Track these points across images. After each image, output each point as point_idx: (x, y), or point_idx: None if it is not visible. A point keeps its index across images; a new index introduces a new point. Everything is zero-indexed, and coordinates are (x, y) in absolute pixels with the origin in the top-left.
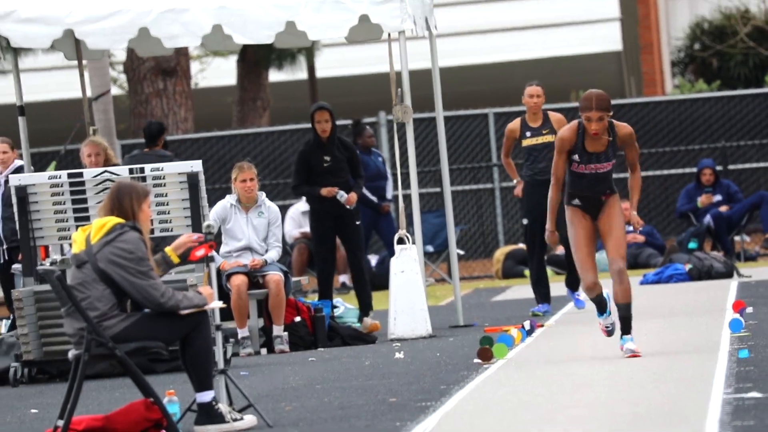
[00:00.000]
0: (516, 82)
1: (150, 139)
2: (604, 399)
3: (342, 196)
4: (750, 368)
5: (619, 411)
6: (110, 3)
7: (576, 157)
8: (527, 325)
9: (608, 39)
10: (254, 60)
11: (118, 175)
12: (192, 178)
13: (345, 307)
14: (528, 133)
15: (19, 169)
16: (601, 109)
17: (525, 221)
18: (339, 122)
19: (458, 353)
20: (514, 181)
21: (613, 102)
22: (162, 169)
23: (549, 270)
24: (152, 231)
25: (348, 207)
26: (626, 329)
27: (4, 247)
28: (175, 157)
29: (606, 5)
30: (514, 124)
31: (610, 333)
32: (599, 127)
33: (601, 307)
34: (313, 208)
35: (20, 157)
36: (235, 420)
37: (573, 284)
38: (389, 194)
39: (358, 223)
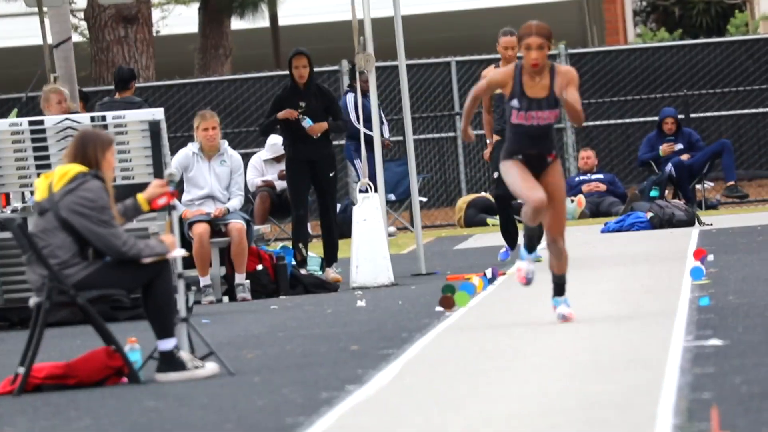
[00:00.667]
0: (478, 30)
1: (121, 84)
2: (565, 347)
3: (307, 122)
4: (710, 316)
5: (581, 359)
6: None
7: (515, 102)
8: (489, 273)
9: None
10: (216, 8)
11: (79, 122)
12: (154, 126)
13: (310, 254)
14: None
15: None
16: (542, 36)
17: (496, 174)
18: (316, 69)
19: (420, 301)
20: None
21: (575, 51)
22: (124, 117)
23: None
24: (114, 179)
25: (313, 137)
26: (560, 292)
27: None
28: (145, 103)
29: None
30: (504, 75)
31: (529, 281)
32: (540, 56)
33: (532, 242)
34: (289, 155)
35: None
36: (196, 368)
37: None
38: (386, 134)
39: (332, 174)
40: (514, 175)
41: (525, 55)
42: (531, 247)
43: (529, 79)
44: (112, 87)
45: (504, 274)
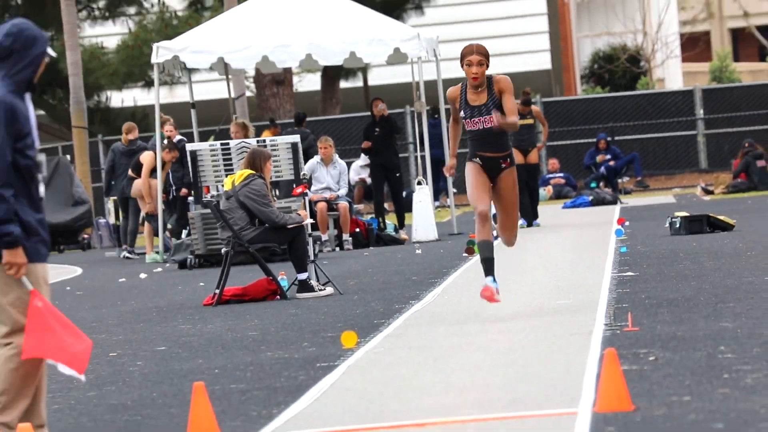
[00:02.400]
0: None
1: (298, 122)
2: (532, 273)
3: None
4: (627, 258)
5: (542, 280)
6: (244, 40)
7: (462, 113)
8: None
9: (542, 61)
10: (331, 74)
11: (249, 144)
12: (294, 146)
13: (386, 222)
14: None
15: (180, 141)
16: (481, 54)
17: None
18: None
19: (453, 250)
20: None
21: (545, 99)
22: (276, 140)
23: None
24: (270, 177)
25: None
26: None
27: (173, 188)
28: (311, 133)
29: (540, 41)
30: (453, 92)
31: (496, 299)
32: (479, 72)
33: (489, 265)
34: (372, 163)
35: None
36: (320, 290)
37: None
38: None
39: (398, 174)
40: (470, 181)
41: (466, 71)
42: (488, 269)
43: (472, 92)
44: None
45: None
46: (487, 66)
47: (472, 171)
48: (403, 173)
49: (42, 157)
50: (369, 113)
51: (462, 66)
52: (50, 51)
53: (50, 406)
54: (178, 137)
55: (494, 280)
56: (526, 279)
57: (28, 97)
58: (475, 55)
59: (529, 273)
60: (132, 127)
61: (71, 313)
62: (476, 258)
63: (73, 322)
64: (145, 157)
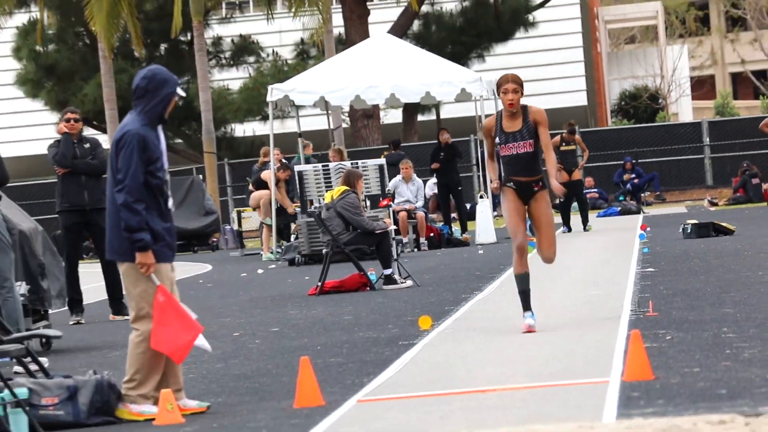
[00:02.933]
0: None
1: (395, 146)
2: (570, 272)
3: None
4: (648, 257)
5: (578, 277)
6: (341, 83)
7: (497, 139)
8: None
9: (580, 99)
10: (410, 110)
11: (345, 166)
12: (381, 168)
13: (453, 228)
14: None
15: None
16: (516, 83)
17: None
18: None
19: (509, 250)
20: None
21: (582, 129)
22: (366, 163)
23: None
24: (362, 192)
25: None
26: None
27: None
28: (404, 155)
29: (578, 83)
30: (489, 122)
31: (533, 330)
32: (515, 99)
33: (526, 299)
34: (437, 181)
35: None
36: (402, 283)
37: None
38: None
39: (459, 188)
40: (506, 209)
41: (503, 98)
42: (526, 303)
43: (507, 119)
44: (362, 148)
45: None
46: (522, 94)
47: (507, 198)
48: (467, 189)
49: (168, 177)
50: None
51: (498, 94)
52: (180, 91)
53: (186, 376)
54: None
55: (532, 314)
56: (566, 274)
57: (160, 128)
58: (511, 83)
59: (569, 269)
60: (267, 151)
61: (203, 301)
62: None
63: (204, 309)
64: (266, 175)
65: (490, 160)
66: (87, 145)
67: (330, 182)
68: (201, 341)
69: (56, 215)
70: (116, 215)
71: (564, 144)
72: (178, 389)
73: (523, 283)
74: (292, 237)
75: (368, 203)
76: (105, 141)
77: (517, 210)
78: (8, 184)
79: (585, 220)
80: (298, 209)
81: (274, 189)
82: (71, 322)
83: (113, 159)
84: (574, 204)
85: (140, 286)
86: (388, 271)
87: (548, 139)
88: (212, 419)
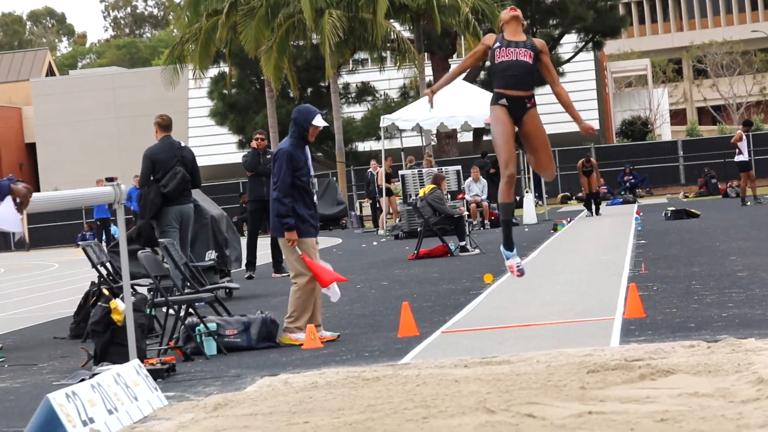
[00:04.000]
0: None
1: (483, 155)
2: (581, 243)
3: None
4: (642, 233)
5: (589, 248)
6: (431, 114)
7: (497, 44)
8: (566, 222)
9: (594, 124)
10: (478, 132)
11: (433, 171)
12: (457, 172)
13: None
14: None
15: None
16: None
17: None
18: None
19: (545, 229)
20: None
21: (596, 145)
22: (447, 169)
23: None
24: (445, 190)
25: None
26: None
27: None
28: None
29: (593, 114)
30: (490, 35)
31: (522, 272)
32: (519, 13)
33: (509, 238)
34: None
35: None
36: (472, 251)
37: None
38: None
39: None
40: (497, 130)
41: (508, 13)
42: (509, 244)
43: (510, 31)
44: (445, 158)
45: (569, 221)
46: (524, 24)
47: (499, 117)
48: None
49: (315, 180)
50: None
51: (501, 24)
52: (320, 121)
53: (324, 315)
54: (380, 169)
55: (516, 253)
56: (584, 244)
57: (306, 147)
58: (513, 10)
59: (587, 240)
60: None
61: (336, 263)
62: (557, 234)
63: (337, 269)
64: (381, 176)
65: (464, 62)
66: (268, 156)
67: (423, 182)
68: (334, 289)
69: (237, 205)
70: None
71: (585, 167)
72: (318, 324)
73: (508, 213)
74: (397, 220)
75: (449, 196)
76: None
77: (510, 134)
78: (203, 184)
79: (597, 209)
80: (399, 201)
81: (384, 184)
82: (246, 276)
83: (272, 168)
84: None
85: (294, 254)
86: (462, 243)
87: (553, 69)
88: (341, 344)
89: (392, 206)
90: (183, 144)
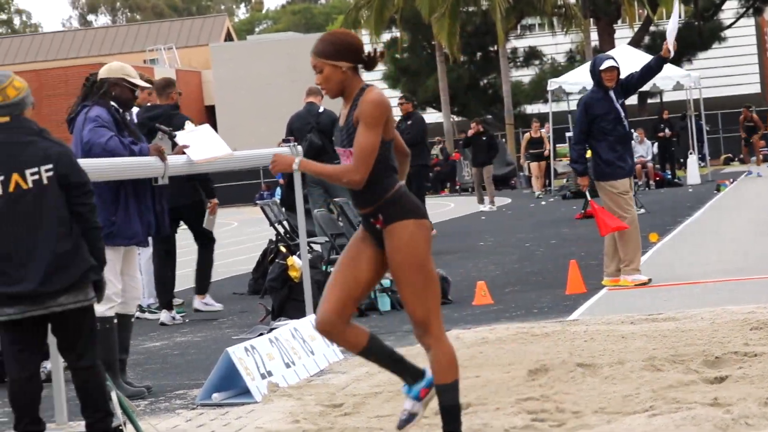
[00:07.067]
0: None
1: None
2: (751, 199)
3: None
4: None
5: (760, 203)
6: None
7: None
8: (729, 183)
9: (755, 88)
10: (644, 95)
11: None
12: None
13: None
14: None
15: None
16: (319, 55)
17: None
18: None
19: (710, 189)
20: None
21: (758, 108)
22: None
23: None
24: None
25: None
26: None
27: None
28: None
29: (754, 77)
30: None
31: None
32: (319, 80)
33: (399, 370)
34: (659, 144)
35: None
36: (638, 210)
37: None
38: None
39: (673, 149)
40: (336, 268)
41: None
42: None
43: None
44: None
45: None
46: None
47: (350, 246)
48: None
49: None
50: (659, 117)
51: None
52: (606, 64)
53: (493, 273)
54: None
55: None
56: (744, 206)
57: (610, 92)
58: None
59: (746, 203)
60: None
61: (507, 223)
62: (720, 195)
63: (504, 229)
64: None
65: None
66: (409, 122)
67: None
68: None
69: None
70: None
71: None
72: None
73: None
74: (564, 180)
75: None
76: (439, 118)
77: (349, 265)
78: None
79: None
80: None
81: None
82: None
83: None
84: None
85: (617, 201)
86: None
87: (360, 140)
88: (511, 301)
89: (539, 171)
90: (323, 110)
